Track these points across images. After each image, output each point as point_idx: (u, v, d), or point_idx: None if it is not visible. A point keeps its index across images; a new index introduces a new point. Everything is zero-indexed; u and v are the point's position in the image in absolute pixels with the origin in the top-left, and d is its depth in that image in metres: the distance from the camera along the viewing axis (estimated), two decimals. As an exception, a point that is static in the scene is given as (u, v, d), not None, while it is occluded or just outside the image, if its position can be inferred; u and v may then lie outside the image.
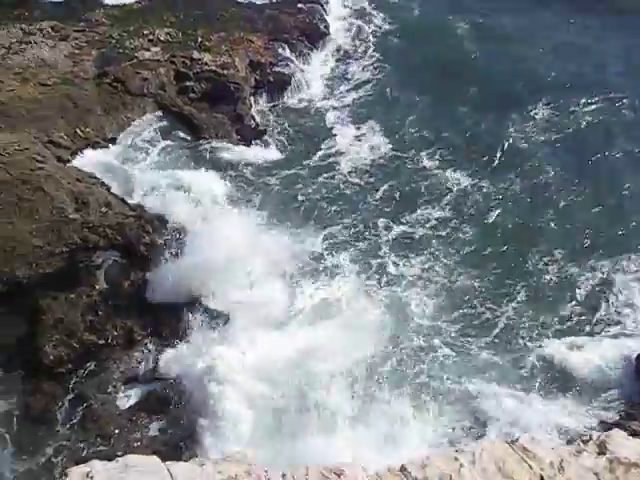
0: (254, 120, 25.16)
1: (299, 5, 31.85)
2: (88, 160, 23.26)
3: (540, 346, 19.16)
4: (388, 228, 22.31)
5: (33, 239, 20.87)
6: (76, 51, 27.01)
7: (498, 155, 25.32)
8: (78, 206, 21.40)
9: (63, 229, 21.16)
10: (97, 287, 20.23)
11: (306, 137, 25.87)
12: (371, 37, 31.57)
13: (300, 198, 23.10)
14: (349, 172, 24.31)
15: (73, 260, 20.63)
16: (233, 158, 24.03)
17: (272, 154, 24.58)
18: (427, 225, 22.50)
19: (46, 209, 21.19)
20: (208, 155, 23.96)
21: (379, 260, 21.29)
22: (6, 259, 20.48)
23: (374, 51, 30.68)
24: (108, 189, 22.28)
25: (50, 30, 28.55)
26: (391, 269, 20.99)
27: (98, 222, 21.30)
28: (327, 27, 31.36)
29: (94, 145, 23.57)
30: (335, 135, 25.94)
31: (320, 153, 25.05)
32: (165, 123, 24.87)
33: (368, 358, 18.05)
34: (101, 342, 18.97)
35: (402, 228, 22.38)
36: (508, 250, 22.03)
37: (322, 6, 32.36)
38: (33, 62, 25.85)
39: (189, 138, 24.71)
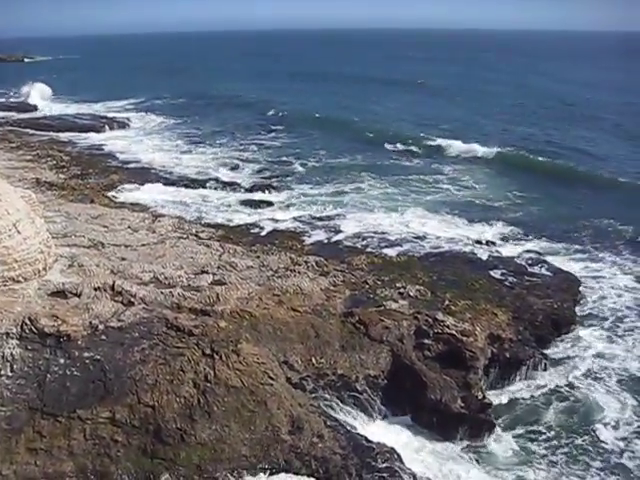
0: (482, 392, 24.70)
1: (549, 290, 32.05)
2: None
3: None
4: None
5: (242, 447, 21.60)
6: (331, 287, 29.10)
7: None
8: (292, 429, 21.96)
9: (272, 447, 21.71)
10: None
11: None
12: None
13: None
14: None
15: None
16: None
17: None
18: None
19: (262, 423, 22.01)
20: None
21: None
22: (212, 458, 21.31)
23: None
24: (325, 421, 22.66)
25: (314, 264, 31.32)
26: None
27: (306, 450, 21.61)
28: (573, 317, 30.98)
29: (323, 376, 24.40)
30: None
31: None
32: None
33: None
34: None
35: None
36: None
37: (574, 296, 32.38)
38: (292, 288, 28.18)
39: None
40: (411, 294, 29.40)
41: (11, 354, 22.61)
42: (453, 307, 28.71)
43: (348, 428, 23.14)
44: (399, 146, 68.79)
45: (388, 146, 68.94)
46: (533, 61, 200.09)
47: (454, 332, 26.31)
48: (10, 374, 22.36)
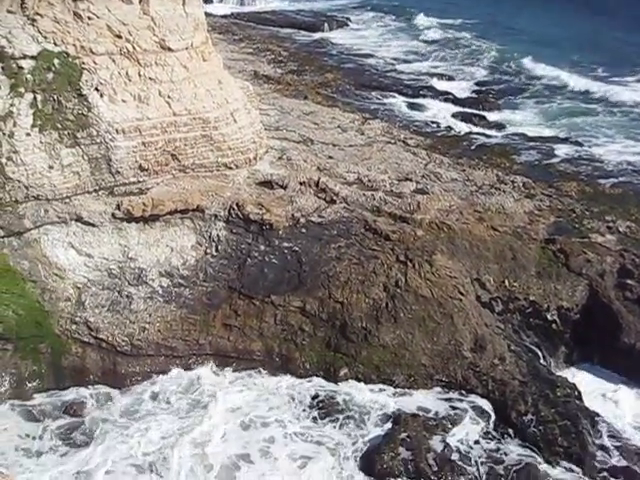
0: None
1: None
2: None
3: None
4: None
5: (422, 357, 21.98)
6: (535, 211, 27.93)
7: None
8: (475, 347, 21.94)
9: (451, 361, 21.89)
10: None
11: None
12: None
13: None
14: None
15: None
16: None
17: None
18: None
19: (446, 336, 22.20)
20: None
21: None
22: (391, 362, 21.92)
23: None
24: (509, 345, 22.37)
25: (521, 185, 30.13)
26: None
27: (485, 370, 21.55)
28: None
29: (513, 300, 23.88)
30: None
31: None
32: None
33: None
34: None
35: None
36: None
37: None
38: (494, 207, 27.39)
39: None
40: (620, 230, 27.50)
41: (217, 235, 24.17)
42: (666, 250, 26.60)
43: (531, 356, 22.73)
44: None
45: None
46: None
47: (662, 276, 24.51)
48: (215, 253, 24.00)
